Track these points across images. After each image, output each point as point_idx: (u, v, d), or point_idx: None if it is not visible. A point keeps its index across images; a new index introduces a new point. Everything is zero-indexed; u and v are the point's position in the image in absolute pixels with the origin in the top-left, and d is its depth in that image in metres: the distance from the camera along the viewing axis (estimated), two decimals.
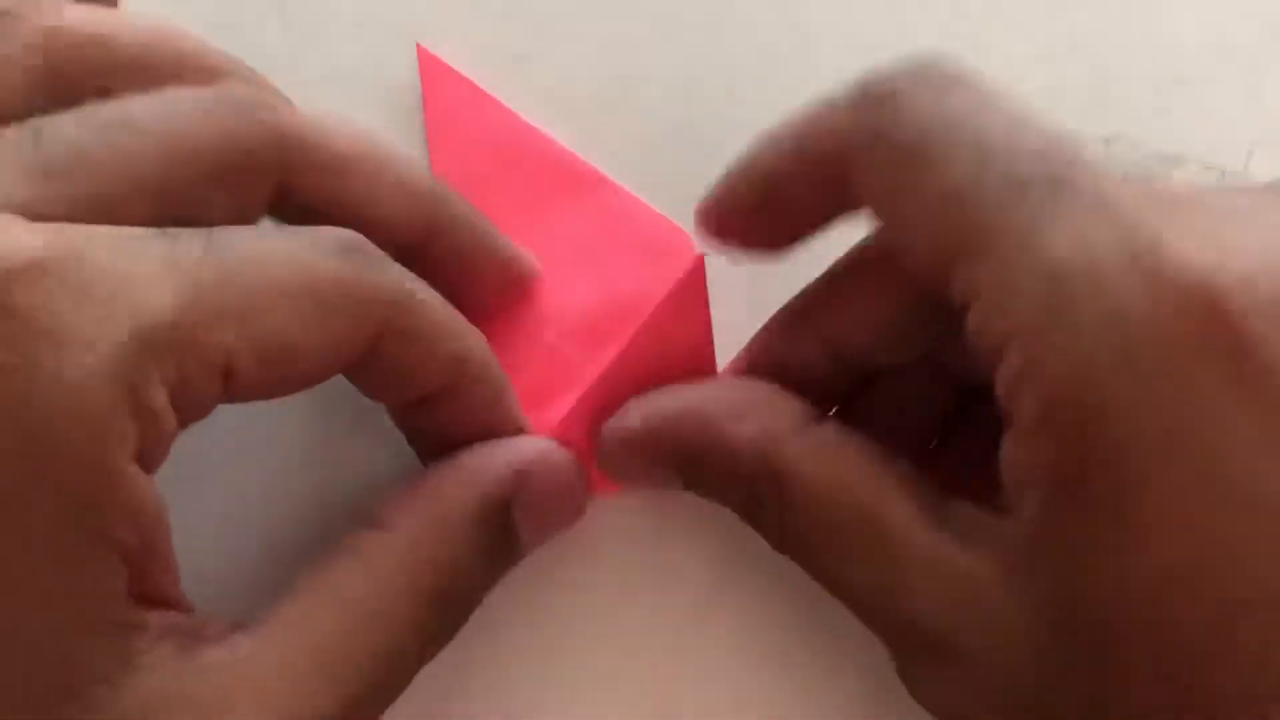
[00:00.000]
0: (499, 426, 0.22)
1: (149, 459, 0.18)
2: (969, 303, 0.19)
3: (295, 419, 0.25)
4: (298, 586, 0.20)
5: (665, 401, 0.23)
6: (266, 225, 0.21)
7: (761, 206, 0.22)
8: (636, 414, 0.23)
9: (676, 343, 0.24)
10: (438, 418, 0.22)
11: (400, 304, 0.20)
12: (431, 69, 0.23)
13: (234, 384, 0.19)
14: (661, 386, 0.23)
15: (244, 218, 0.21)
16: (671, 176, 0.26)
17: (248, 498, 0.25)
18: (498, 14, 0.27)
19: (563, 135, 0.27)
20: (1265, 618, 0.17)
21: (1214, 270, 0.17)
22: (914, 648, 0.20)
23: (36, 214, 0.18)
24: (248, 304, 0.18)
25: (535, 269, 0.25)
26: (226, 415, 0.20)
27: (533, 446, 0.22)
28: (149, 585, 0.18)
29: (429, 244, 0.23)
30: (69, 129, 0.19)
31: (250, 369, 0.18)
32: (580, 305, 0.24)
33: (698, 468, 0.22)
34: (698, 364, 0.24)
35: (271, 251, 0.19)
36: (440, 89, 0.23)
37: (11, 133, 0.19)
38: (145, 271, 0.18)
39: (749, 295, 0.24)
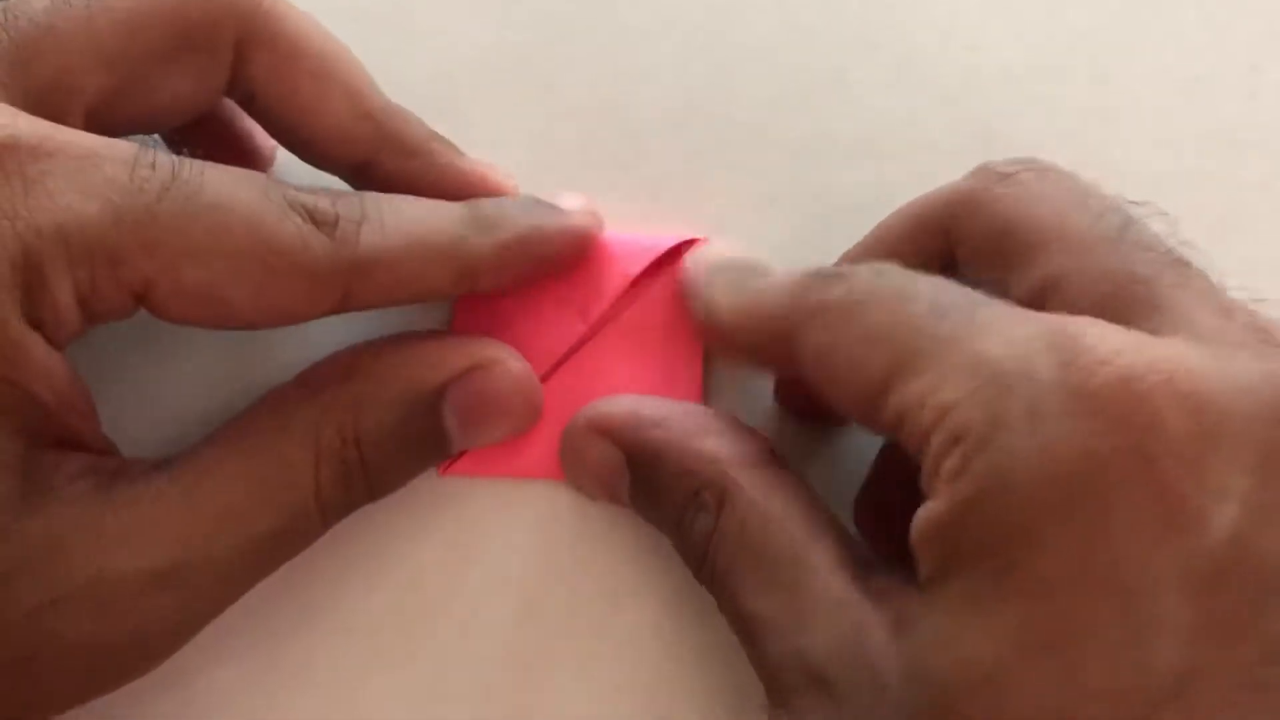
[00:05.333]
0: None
1: (52, 335, 0.19)
2: (903, 416, 0.19)
3: None
4: (217, 434, 0.21)
5: (643, 403, 0.24)
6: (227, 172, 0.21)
7: None
8: (616, 402, 0.24)
9: (670, 326, 0.25)
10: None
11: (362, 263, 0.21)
12: None
13: (150, 306, 0.20)
14: (649, 365, 0.25)
15: (201, 100, 0.22)
16: (671, 175, 0.27)
17: None
18: (499, 13, 0.27)
19: (563, 135, 0.27)
20: (1103, 713, 0.17)
21: (1134, 375, 0.17)
22: (792, 682, 0.20)
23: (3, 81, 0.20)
24: (181, 247, 0.19)
25: (490, 190, 0.24)
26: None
27: (477, 349, 0.23)
28: (65, 430, 0.20)
29: (373, 165, 0.23)
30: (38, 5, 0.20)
31: (166, 301, 0.20)
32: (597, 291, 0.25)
33: (654, 464, 0.23)
34: (687, 353, 0.25)
35: (228, 201, 0.20)
36: None
37: None
38: (95, 179, 0.19)
39: None
